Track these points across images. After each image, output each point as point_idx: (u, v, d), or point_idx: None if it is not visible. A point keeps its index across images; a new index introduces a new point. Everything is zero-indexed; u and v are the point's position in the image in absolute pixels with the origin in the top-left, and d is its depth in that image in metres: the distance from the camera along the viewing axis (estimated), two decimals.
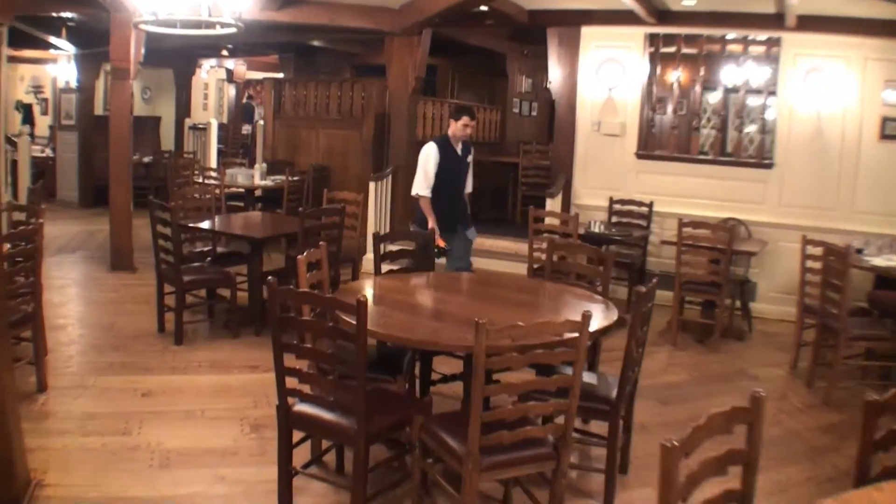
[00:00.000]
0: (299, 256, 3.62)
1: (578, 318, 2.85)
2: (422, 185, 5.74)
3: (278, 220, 7.16)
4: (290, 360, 3.13)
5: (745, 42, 7.27)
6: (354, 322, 2.84)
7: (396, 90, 8.65)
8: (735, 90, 7.69)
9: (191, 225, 6.17)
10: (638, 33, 7.45)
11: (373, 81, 9.99)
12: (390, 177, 8.62)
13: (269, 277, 3.17)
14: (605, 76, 7.54)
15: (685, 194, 7.42)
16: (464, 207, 6.17)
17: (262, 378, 5.01)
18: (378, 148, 10.04)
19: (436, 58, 11.51)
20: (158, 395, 4.72)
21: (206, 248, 6.72)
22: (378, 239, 4.54)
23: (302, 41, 10.87)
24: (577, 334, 2.90)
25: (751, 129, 7.90)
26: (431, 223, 5.58)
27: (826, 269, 5.31)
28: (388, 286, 4.05)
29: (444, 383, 4.36)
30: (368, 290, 3.94)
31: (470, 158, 6.09)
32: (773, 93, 7.20)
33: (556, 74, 7.75)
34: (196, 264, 6.11)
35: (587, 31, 7.60)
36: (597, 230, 6.61)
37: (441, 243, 5.47)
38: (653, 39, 7.45)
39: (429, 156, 5.76)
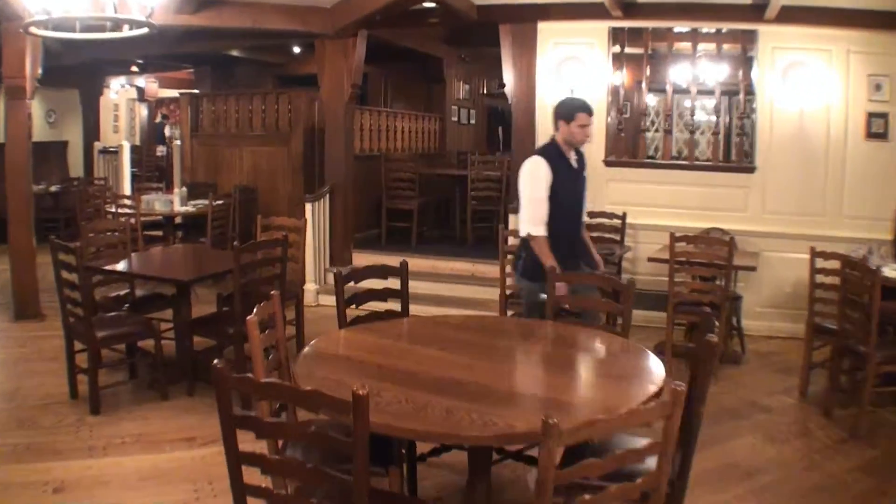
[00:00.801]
0: (249, 318, 2.59)
1: (641, 384, 2.00)
2: (534, 219, 4.11)
3: (205, 253, 6.02)
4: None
5: (719, 37, 6.59)
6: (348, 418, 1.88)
7: (330, 100, 7.63)
8: (709, 91, 7.00)
9: (103, 268, 4.99)
10: (601, 28, 6.68)
11: (300, 93, 8.94)
12: (328, 196, 7.59)
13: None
14: (566, 76, 6.73)
15: (660, 203, 6.68)
16: (585, 241, 4.61)
17: (202, 456, 3.97)
18: (309, 165, 8.99)
19: (367, 65, 10.50)
20: (74, 490, 3.60)
21: (122, 292, 5.52)
22: (341, 279, 3.54)
23: (219, 51, 9.71)
24: (666, 417, 2.01)
25: (725, 130, 7.16)
26: (551, 266, 3.88)
27: (846, 284, 4.62)
28: (366, 345, 3.06)
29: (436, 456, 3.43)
30: (338, 350, 2.96)
31: (586, 172, 4.50)
32: (750, 91, 6.56)
33: (510, 77, 6.89)
34: (111, 314, 4.94)
35: (544, 27, 6.78)
36: None
37: (563, 293, 3.82)
38: (617, 35, 6.70)
39: (537, 176, 4.11)
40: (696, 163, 6.73)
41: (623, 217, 6.60)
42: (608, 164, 6.77)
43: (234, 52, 9.85)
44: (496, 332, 3.50)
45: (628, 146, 6.83)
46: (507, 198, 9.32)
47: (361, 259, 7.84)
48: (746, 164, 6.53)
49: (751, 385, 5.46)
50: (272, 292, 2.97)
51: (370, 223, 8.61)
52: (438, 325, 3.54)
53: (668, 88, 6.74)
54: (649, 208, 6.67)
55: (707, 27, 6.48)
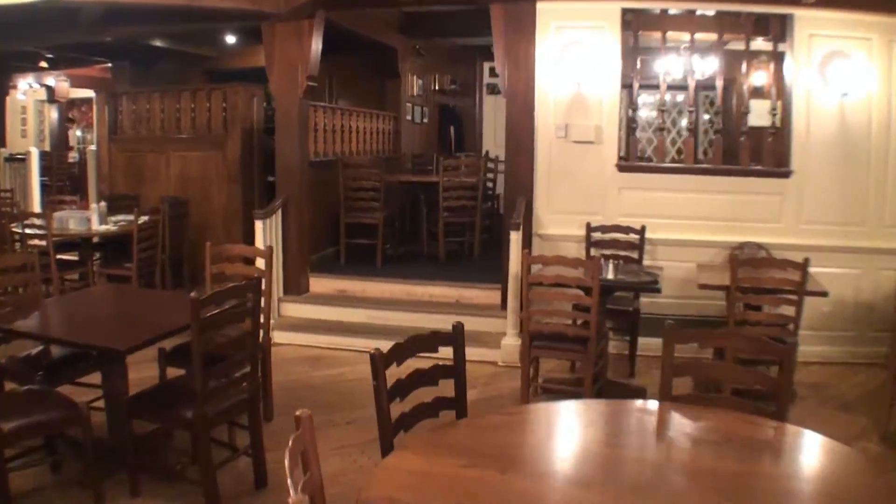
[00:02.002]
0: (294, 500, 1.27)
1: None
2: None
3: (140, 299, 4.48)
4: None
5: (747, 23, 5.54)
6: None
7: (282, 96, 6.20)
8: (732, 84, 5.92)
9: (6, 327, 3.45)
10: (612, 9, 5.52)
11: (237, 88, 7.44)
12: (280, 211, 6.17)
13: None
14: (571, 66, 5.54)
15: (681, 214, 5.59)
16: None
17: None
18: (247, 172, 7.52)
19: None
20: None
21: (35, 351, 3.93)
22: (381, 362, 2.21)
23: (140, 40, 8.07)
24: None
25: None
26: None
27: None
28: (452, 485, 1.79)
29: None
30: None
31: None
32: (783, 85, 5.55)
33: (503, 67, 5.66)
34: (23, 389, 3.42)
35: (545, 8, 5.56)
36: (609, 276, 4.54)
37: None
38: (630, 18, 5.57)
39: None
40: (725, 167, 5.67)
41: (642, 231, 5.50)
42: (621, 168, 5.64)
43: (158, 43, 8.25)
44: (622, 441, 2.26)
45: (668, 148, 5.71)
46: (482, 208, 8.24)
47: (320, 285, 6.45)
48: (781, 168, 5.52)
49: (820, 426, 4.38)
50: (299, 414, 1.65)
51: (326, 241, 7.20)
52: (545, 443, 2.28)
53: (690, 82, 5.66)
54: (669, 220, 5.58)
55: (738, 8, 5.42)
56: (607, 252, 5.59)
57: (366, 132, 8.18)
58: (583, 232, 5.60)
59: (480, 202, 7.17)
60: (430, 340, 2.47)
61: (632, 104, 5.77)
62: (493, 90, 10.85)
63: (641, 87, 5.95)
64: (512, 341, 5.43)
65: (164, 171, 7.56)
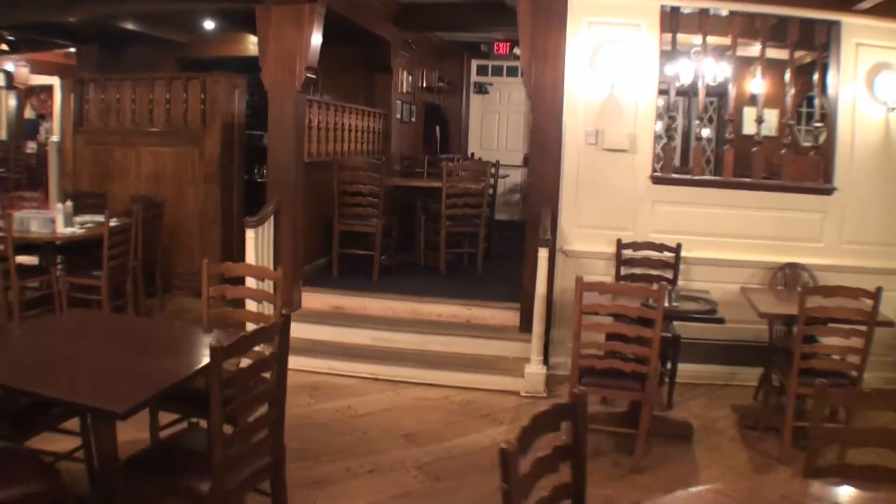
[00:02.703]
0: None
1: None
2: None
3: (130, 335, 3.63)
4: None
5: (790, 27, 5.05)
6: None
7: (277, 88, 5.47)
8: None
9: None
10: (650, 6, 5.00)
11: (218, 78, 6.71)
12: (272, 218, 5.47)
13: None
14: (605, 67, 4.99)
15: (717, 232, 5.09)
16: None
17: None
18: (226, 170, 6.80)
19: None
20: None
21: None
22: (513, 459, 1.58)
23: (109, 20, 7.22)
24: None
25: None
26: None
27: None
28: None
29: None
30: None
31: None
32: (826, 95, 5.11)
33: (530, 64, 5.07)
34: None
35: (577, 2, 5.02)
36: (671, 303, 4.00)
37: None
38: (671, 16, 5.05)
39: None
40: (766, 182, 5.20)
41: (677, 249, 4.99)
42: (656, 181, 5.12)
43: (128, 25, 7.40)
44: None
45: (703, 158, 5.19)
46: (485, 218, 7.68)
47: (314, 300, 5.77)
48: (824, 184, 5.08)
49: None
50: None
51: (317, 250, 6.49)
52: None
53: (731, 90, 5.15)
54: (704, 237, 5.08)
55: (785, 12, 4.94)
56: (638, 271, 5.09)
57: (357, 131, 7.50)
58: (611, 249, 5.07)
59: (485, 211, 6.58)
60: (551, 417, 1.86)
61: (669, 111, 5.24)
62: (481, 89, 10.28)
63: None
64: (537, 370, 4.86)
65: (135, 168, 6.77)
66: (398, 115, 8.66)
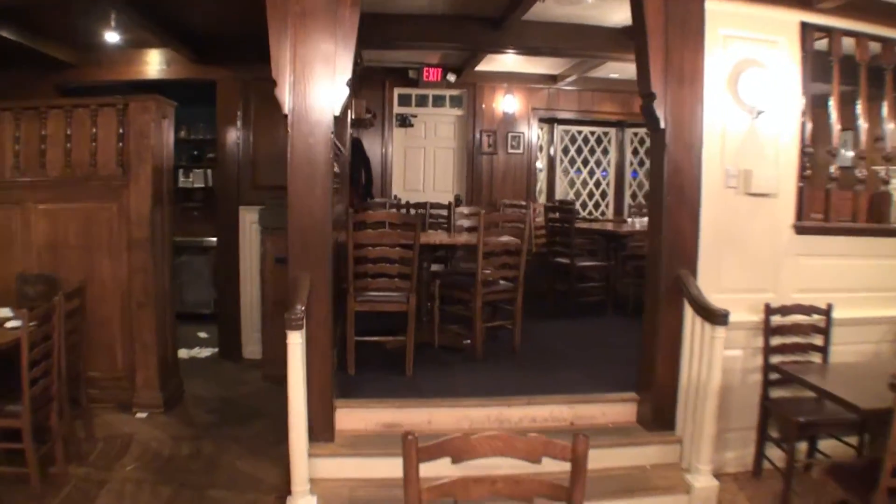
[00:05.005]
0: None
1: None
2: None
3: None
4: None
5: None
6: None
7: (304, 113, 3.66)
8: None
9: None
10: (789, 21, 4.00)
11: (147, 103, 4.65)
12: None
13: None
14: (747, 91, 3.92)
15: (847, 286, 4.21)
16: None
17: None
18: (158, 231, 4.74)
19: (210, 66, 6.29)
20: None
21: None
22: None
23: None
24: None
25: None
26: None
27: None
28: None
29: None
30: None
31: None
32: None
33: (664, 84, 3.81)
34: None
35: (714, 9, 3.87)
36: None
37: None
38: (810, 34, 4.09)
39: None
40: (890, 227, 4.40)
41: (828, 311, 4.02)
42: (800, 230, 4.11)
43: (4, 34, 4.92)
44: None
45: (844, 201, 4.23)
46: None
47: (352, 419, 3.89)
48: None
49: None
50: None
51: None
52: None
53: (861, 117, 4.30)
54: (847, 293, 4.18)
55: None
56: (788, 341, 4.04)
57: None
58: (755, 317, 3.97)
59: (523, 273, 5.13)
60: None
61: (831, 148, 4.23)
62: (404, 122, 8.76)
63: None
64: (708, 483, 3.59)
65: (21, 235, 4.40)
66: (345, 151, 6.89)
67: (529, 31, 6.44)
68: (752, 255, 4.05)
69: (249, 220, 6.46)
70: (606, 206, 9.84)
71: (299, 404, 3.24)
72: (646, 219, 7.13)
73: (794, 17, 4.00)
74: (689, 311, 3.80)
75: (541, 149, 9.38)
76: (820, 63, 4.12)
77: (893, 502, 2.73)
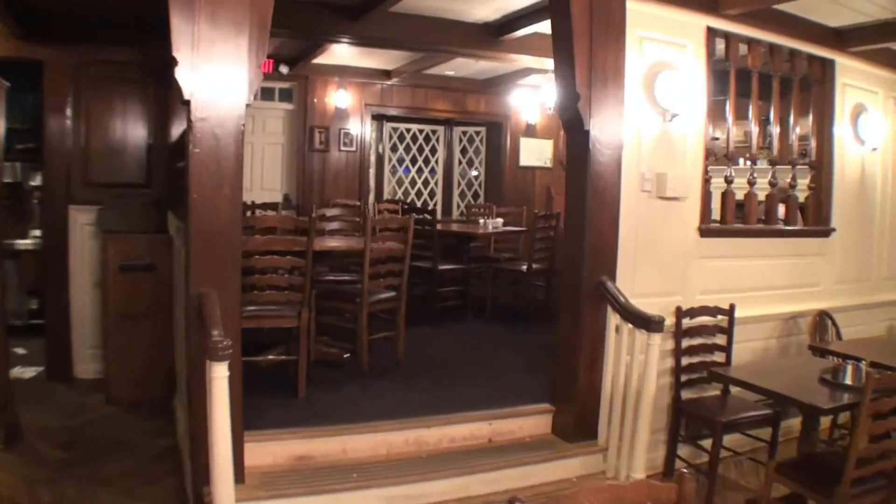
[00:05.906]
0: None
1: None
2: None
3: None
4: None
5: (792, 59, 4.57)
6: None
7: (210, 92, 3.01)
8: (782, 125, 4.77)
9: None
10: (696, 25, 4.01)
11: None
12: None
13: None
14: (664, 94, 3.87)
15: (744, 286, 4.39)
16: None
17: None
18: None
19: (42, 46, 5.20)
20: None
21: None
22: None
23: None
24: None
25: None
26: None
27: None
28: None
29: None
30: None
31: None
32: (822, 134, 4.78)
33: (588, 82, 3.62)
34: None
35: (634, 9, 3.76)
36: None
37: None
38: (714, 40, 4.13)
39: None
40: (776, 227, 4.61)
41: (731, 311, 4.14)
42: (703, 233, 4.16)
43: None
44: None
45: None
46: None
47: (260, 454, 3.32)
48: (822, 226, 4.76)
49: None
50: None
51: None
52: None
53: (752, 122, 4.44)
54: (745, 293, 4.34)
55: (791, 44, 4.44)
56: (695, 343, 4.11)
57: None
58: (668, 321, 3.98)
59: (406, 280, 4.76)
60: None
61: (727, 151, 4.28)
62: None
63: None
64: None
65: None
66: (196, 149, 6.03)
67: (391, 23, 6.03)
68: (664, 258, 4.06)
69: (82, 221, 5.52)
70: (435, 205, 9.70)
71: (224, 450, 2.68)
72: (499, 220, 7.18)
73: (702, 22, 4.04)
74: (612, 318, 3.71)
75: (370, 146, 9.06)
76: (723, 69, 4.22)
77: (854, 493, 2.79)
